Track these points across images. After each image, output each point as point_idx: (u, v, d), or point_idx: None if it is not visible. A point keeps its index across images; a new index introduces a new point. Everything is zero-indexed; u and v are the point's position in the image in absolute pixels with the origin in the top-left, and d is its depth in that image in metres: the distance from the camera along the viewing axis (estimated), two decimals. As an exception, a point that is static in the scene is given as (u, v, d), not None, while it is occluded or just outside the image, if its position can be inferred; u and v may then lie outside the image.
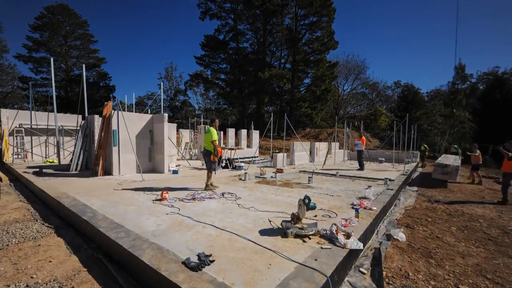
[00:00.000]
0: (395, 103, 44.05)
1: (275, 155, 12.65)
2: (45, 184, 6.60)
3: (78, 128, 11.55)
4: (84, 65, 11.56)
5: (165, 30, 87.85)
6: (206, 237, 3.25)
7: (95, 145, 9.21)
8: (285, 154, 12.91)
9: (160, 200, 5.13)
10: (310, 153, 15.64)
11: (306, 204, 3.42)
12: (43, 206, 5.55)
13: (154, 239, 3.10)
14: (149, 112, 37.77)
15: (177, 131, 18.11)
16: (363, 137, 12.29)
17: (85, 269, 2.88)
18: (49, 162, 12.22)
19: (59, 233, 4.02)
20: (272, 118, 14.26)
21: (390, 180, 8.15)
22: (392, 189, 6.62)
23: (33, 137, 13.54)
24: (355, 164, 13.57)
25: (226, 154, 11.49)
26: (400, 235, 4.09)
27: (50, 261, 3.08)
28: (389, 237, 4.04)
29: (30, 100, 13.41)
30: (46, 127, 13.60)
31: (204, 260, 2.52)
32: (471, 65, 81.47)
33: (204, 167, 11.47)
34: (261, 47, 38.22)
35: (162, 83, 13.04)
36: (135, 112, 17.60)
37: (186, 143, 17.39)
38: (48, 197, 5.49)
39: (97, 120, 9.80)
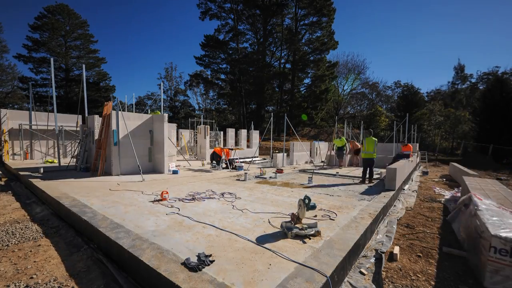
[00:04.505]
0: (395, 103, 44.05)
1: (275, 155, 12.66)
2: (45, 184, 6.60)
3: (78, 128, 11.56)
4: (84, 65, 11.56)
5: (165, 30, 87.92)
6: (206, 237, 3.25)
7: (95, 145, 9.21)
8: (285, 154, 12.91)
9: (160, 200, 5.13)
10: (310, 153, 15.65)
11: (306, 204, 3.42)
12: (43, 206, 5.55)
13: (154, 239, 3.10)
14: (149, 112, 37.75)
15: (177, 131, 18.13)
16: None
17: (85, 269, 2.88)
18: (49, 162, 12.22)
19: (59, 233, 4.02)
20: (272, 118, 14.26)
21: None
22: (392, 190, 6.62)
23: (33, 137, 13.54)
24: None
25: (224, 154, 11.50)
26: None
27: (50, 261, 3.08)
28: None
29: (30, 100, 13.41)
30: (46, 127, 13.61)
31: (204, 260, 2.52)
32: (471, 65, 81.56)
33: (204, 167, 11.50)
34: (261, 47, 38.22)
35: (162, 83, 13.03)
36: (135, 112, 17.63)
37: (187, 142, 17.40)
38: (48, 197, 5.49)
39: (97, 120, 9.80)
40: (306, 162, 14.65)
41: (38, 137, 13.57)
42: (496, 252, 2.77)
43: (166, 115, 9.24)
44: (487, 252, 2.83)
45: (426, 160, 18.52)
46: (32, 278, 2.71)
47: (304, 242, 3.11)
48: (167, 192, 5.27)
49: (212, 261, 2.55)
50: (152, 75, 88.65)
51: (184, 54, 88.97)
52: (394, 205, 6.23)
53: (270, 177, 8.64)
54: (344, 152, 12.92)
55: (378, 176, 9.36)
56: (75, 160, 10.44)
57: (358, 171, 11.09)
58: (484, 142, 23.64)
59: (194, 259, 2.56)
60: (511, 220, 3.33)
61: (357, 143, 14.80)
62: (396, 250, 3.66)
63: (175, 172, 9.27)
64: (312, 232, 3.30)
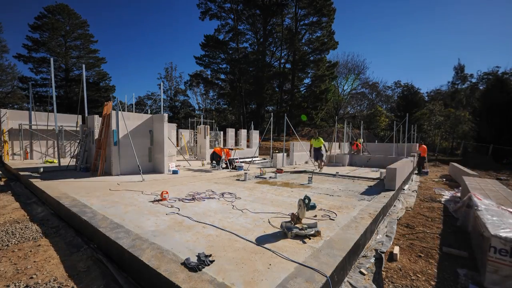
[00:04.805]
0: (395, 103, 44.07)
1: (275, 155, 12.65)
2: (45, 184, 6.60)
3: (78, 128, 11.56)
4: (84, 65, 11.57)
5: (165, 30, 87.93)
6: (206, 237, 3.24)
7: (95, 145, 9.21)
8: (285, 154, 12.91)
9: (160, 200, 5.13)
10: (310, 153, 15.64)
11: (306, 204, 3.42)
12: (43, 206, 5.55)
13: (154, 239, 3.10)
14: (149, 112, 37.79)
15: (177, 131, 18.14)
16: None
17: (85, 269, 2.88)
18: (49, 162, 12.22)
19: (59, 233, 4.02)
20: (272, 118, 14.27)
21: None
22: (392, 190, 6.62)
23: (33, 137, 13.54)
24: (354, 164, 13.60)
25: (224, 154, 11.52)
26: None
27: (50, 261, 3.08)
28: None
29: (30, 100, 13.42)
30: (46, 127, 13.61)
31: (204, 260, 2.52)
32: (471, 65, 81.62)
33: (204, 167, 11.51)
34: (261, 47, 38.23)
35: (162, 83, 13.04)
36: (135, 112, 17.63)
37: (186, 142, 17.40)
38: (48, 197, 5.49)
39: (97, 120, 9.80)
40: (306, 162, 14.64)
41: (38, 137, 13.57)
42: (496, 252, 2.77)
43: (166, 115, 9.24)
44: (487, 252, 2.83)
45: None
46: (32, 278, 2.71)
47: (304, 242, 3.11)
48: (167, 192, 5.27)
49: (212, 261, 2.55)
50: (152, 75, 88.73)
51: (184, 54, 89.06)
52: (394, 205, 6.23)
53: (270, 177, 8.64)
54: (323, 153, 11.99)
55: (378, 176, 9.36)
56: (74, 160, 10.44)
57: (358, 171, 11.09)
58: (484, 142, 23.64)
59: (194, 259, 2.55)
60: (511, 220, 3.33)
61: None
62: (396, 250, 3.66)
63: (175, 172, 9.27)
64: (312, 232, 3.30)
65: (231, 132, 19.41)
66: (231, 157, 12.63)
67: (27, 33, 37.83)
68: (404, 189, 8.38)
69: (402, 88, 44.92)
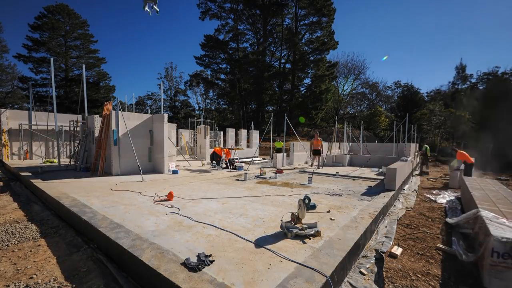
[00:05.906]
0: (395, 103, 44.08)
1: (275, 155, 12.66)
2: (45, 184, 6.60)
3: (78, 128, 11.56)
4: (84, 65, 11.56)
5: (165, 30, 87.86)
6: (206, 237, 3.24)
7: (95, 145, 9.21)
8: (285, 154, 12.91)
9: (161, 200, 5.13)
10: (310, 154, 15.64)
11: (306, 204, 3.42)
12: (43, 206, 5.55)
13: (154, 239, 3.09)
14: (149, 112, 37.79)
15: (177, 131, 18.14)
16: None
17: (85, 269, 2.88)
18: (49, 162, 12.22)
19: (59, 233, 4.02)
20: (272, 118, 14.27)
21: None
22: (392, 190, 6.62)
23: (33, 137, 13.54)
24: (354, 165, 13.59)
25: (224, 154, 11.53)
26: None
27: (50, 261, 3.08)
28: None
29: (30, 100, 13.42)
30: (45, 127, 13.61)
31: (204, 260, 2.52)
32: (471, 65, 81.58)
33: (204, 167, 11.51)
34: (261, 47, 38.25)
35: (162, 83, 13.06)
36: (135, 112, 17.63)
37: (186, 142, 17.40)
38: (48, 197, 5.49)
39: (97, 120, 9.80)
40: (306, 162, 14.64)
41: (38, 137, 13.57)
42: (497, 254, 2.77)
43: (166, 115, 9.24)
44: (488, 253, 2.83)
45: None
46: (32, 278, 2.71)
47: (304, 242, 3.11)
48: (171, 193, 5.25)
49: (212, 261, 2.55)
50: (152, 75, 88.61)
51: (184, 54, 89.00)
52: (394, 205, 6.23)
53: (270, 177, 8.64)
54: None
55: (379, 176, 9.36)
56: (74, 160, 10.43)
57: (358, 171, 11.08)
58: (484, 142, 23.63)
59: (194, 259, 2.55)
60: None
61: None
62: (396, 250, 3.66)
63: (175, 172, 9.27)
64: (312, 232, 3.30)
65: (231, 132, 19.42)
66: (231, 157, 12.62)
67: (27, 33, 37.85)
68: (404, 189, 8.38)
69: (402, 88, 44.97)
